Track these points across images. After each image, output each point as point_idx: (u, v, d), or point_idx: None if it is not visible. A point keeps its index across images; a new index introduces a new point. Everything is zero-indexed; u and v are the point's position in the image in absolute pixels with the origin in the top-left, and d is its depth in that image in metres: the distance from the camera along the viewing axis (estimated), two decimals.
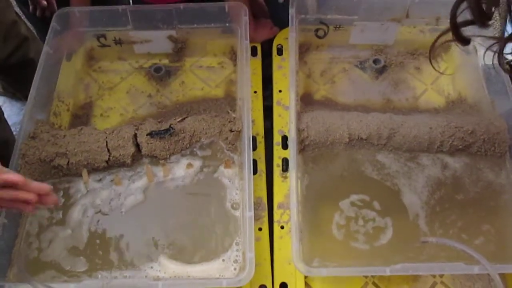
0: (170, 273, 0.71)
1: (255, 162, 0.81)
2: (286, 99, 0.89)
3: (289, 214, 0.76)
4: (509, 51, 0.52)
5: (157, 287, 0.64)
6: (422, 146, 0.81)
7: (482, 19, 0.49)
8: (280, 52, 0.96)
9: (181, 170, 0.80)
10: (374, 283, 0.72)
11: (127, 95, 0.93)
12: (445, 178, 0.79)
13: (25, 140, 0.77)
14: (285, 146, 0.84)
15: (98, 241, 0.74)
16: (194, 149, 0.82)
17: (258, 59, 0.95)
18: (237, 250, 0.72)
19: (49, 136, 0.78)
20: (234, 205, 0.77)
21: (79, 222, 0.75)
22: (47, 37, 0.87)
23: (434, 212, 0.76)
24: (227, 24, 0.91)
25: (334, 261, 0.72)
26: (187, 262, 0.72)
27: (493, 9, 0.48)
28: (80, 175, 0.78)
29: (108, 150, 0.78)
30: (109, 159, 0.78)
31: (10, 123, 1.27)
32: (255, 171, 0.81)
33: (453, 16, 0.52)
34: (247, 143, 0.74)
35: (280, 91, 0.91)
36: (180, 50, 0.96)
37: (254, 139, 0.84)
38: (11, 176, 0.57)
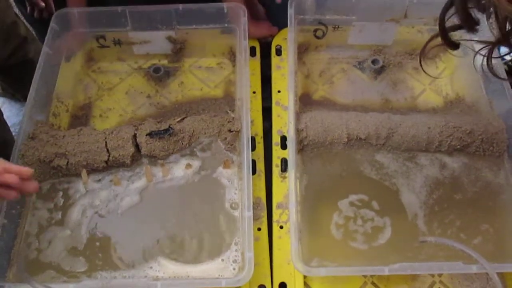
0: (169, 273, 0.71)
1: (254, 162, 0.82)
2: (285, 100, 0.89)
3: (288, 214, 0.76)
4: (497, 55, 0.52)
5: (156, 287, 0.64)
6: (421, 146, 0.81)
7: (469, 24, 0.49)
8: (279, 52, 0.96)
9: (180, 170, 0.80)
10: (373, 283, 0.72)
11: (126, 95, 0.93)
12: (444, 178, 0.80)
13: (25, 140, 0.77)
14: (284, 146, 0.84)
15: (97, 241, 0.74)
16: (193, 150, 0.82)
17: (257, 60, 0.95)
18: (236, 250, 0.73)
19: (48, 137, 0.78)
20: (233, 205, 0.77)
21: (79, 223, 0.75)
22: (46, 38, 0.87)
23: (432, 212, 0.76)
24: (226, 25, 0.92)
25: (333, 261, 0.72)
26: (186, 262, 0.72)
27: (479, 14, 0.49)
28: (80, 176, 0.78)
29: (108, 150, 0.78)
30: (108, 159, 0.78)
31: (9, 123, 1.27)
32: (254, 171, 0.81)
33: (442, 20, 0.52)
34: (246, 143, 0.75)
35: (279, 91, 0.91)
36: (179, 51, 0.96)
37: (253, 139, 0.84)
38: None
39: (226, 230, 0.74)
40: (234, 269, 0.71)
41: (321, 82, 0.94)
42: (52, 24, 0.88)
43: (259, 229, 0.76)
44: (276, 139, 0.85)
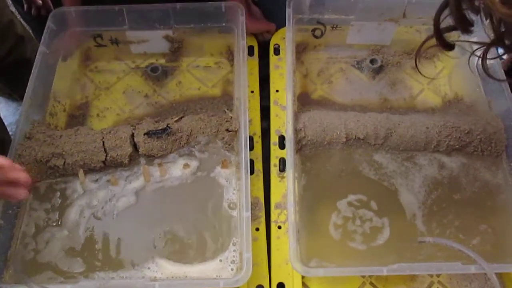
0: (167, 274, 0.71)
1: (252, 162, 0.81)
2: (283, 99, 0.89)
3: (286, 214, 0.76)
4: (494, 55, 0.52)
5: None
6: (419, 146, 0.81)
7: (464, 25, 0.49)
8: (277, 52, 0.96)
9: (178, 170, 0.80)
10: (371, 283, 0.72)
11: (123, 95, 0.92)
12: (442, 178, 0.80)
13: (21, 140, 0.76)
14: (282, 146, 0.84)
15: (95, 242, 0.73)
16: (191, 149, 0.81)
17: (255, 59, 0.95)
18: (234, 251, 0.72)
19: (45, 137, 0.77)
20: (231, 205, 0.77)
21: (76, 223, 0.75)
22: (43, 37, 0.86)
23: (431, 212, 0.76)
24: (224, 24, 0.91)
25: (331, 261, 0.72)
26: (184, 262, 0.72)
27: (474, 15, 0.49)
28: (77, 176, 0.78)
29: (105, 150, 0.77)
30: (106, 159, 0.78)
31: (6, 123, 1.26)
32: (252, 171, 0.81)
33: (436, 22, 0.52)
34: (244, 143, 0.74)
35: (277, 91, 0.90)
36: (176, 50, 0.96)
37: (251, 139, 0.84)
38: None
39: (224, 230, 0.74)
40: (232, 269, 0.71)
41: (320, 82, 0.94)
42: (49, 23, 0.88)
43: (257, 229, 0.76)
44: (274, 138, 0.85)
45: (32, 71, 0.82)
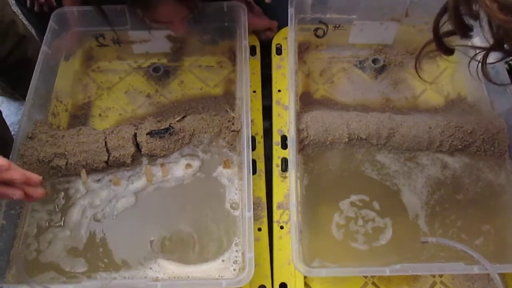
0: (169, 274, 0.71)
1: (254, 162, 0.81)
2: (285, 99, 0.89)
3: (289, 214, 0.76)
4: (493, 61, 0.51)
5: None
6: (422, 145, 0.81)
7: (463, 30, 0.49)
8: (279, 51, 0.96)
9: (180, 170, 0.80)
10: (373, 283, 0.72)
11: (125, 95, 0.92)
12: (445, 178, 0.79)
13: (24, 140, 0.76)
14: (284, 146, 0.84)
15: (97, 242, 0.73)
16: (193, 149, 0.81)
17: (257, 59, 0.95)
18: (236, 251, 0.72)
19: (47, 137, 0.77)
20: (233, 205, 0.76)
21: (78, 223, 0.75)
22: (45, 37, 0.86)
23: (433, 212, 0.76)
24: (225, 24, 0.91)
25: (333, 261, 0.71)
26: (186, 262, 0.72)
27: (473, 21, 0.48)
28: (79, 176, 0.78)
29: (108, 150, 0.77)
30: (108, 159, 0.78)
31: (8, 123, 1.26)
32: (254, 171, 0.80)
33: (436, 26, 0.52)
34: (246, 143, 0.74)
35: (279, 90, 0.90)
36: (178, 50, 0.95)
37: (253, 139, 0.84)
38: None
39: (226, 231, 0.74)
40: (234, 269, 0.71)
41: (322, 82, 0.94)
42: (51, 23, 0.88)
43: (259, 229, 0.76)
44: (276, 138, 0.85)
45: (34, 71, 0.82)
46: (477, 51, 0.51)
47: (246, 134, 0.75)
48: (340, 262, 0.71)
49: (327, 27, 0.94)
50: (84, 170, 0.78)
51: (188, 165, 0.80)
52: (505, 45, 0.47)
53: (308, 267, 0.66)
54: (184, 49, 0.96)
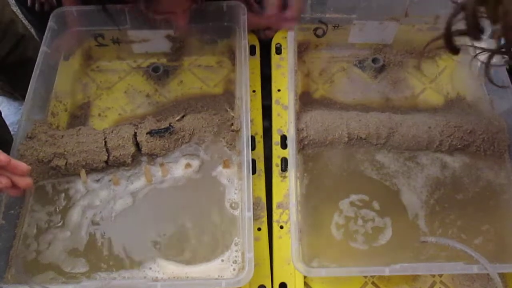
0: (169, 274, 0.71)
1: (254, 162, 0.81)
2: (285, 98, 0.89)
3: (288, 214, 0.76)
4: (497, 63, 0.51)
5: None
6: (421, 145, 0.81)
7: (476, 32, 0.49)
8: (278, 51, 0.96)
9: (180, 170, 0.80)
10: (373, 283, 0.72)
11: (125, 94, 0.92)
12: (445, 177, 0.79)
13: (23, 140, 0.76)
14: (284, 145, 0.84)
15: (96, 242, 0.73)
16: (193, 149, 0.81)
17: (256, 58, 0.95)
18: (236, 251, 0.72)
19: (47, 137, 0.77)
20: (233, 205, 0.76)
21: (78, 223, 0.75)
22: (44, 37, 0.86)
23: (433, 212, 0.76)
24: (225, 23, 0.91)
25: (333, 261, 0.72)
26: (186, 262, 0.72)
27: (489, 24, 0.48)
28: (79, 176, 0.78)
29: (108, 150, 0.77)
30: (108, 158, 0.78)
31: (8, 122, 1.26)
32: (254, 171, 0.80)
33: (448, 25, 0.52)
34: (246, 142, 0.74)
35: (279, 90, 0.90)
36: (178, 49, 0.95)
37: (253, 138, 0.84)
38: None
39: (226, 230, 0.74)
40: (234, 269, 0.71)
41: (321, 81, 0.94)
42: (51, 22, 0.88)
43: (259, 229, 0.76)
44: (276, 138, 0.85)
45: (34, 71, 0.82)
46: (478, 51, 0.51)
47: (245, 134, 0.75)
48: (339, 262, 0.71)
49: (327, 26, 0.94)
50: (83, 170, 0.78)
51: (188, 165, 0.80)
52: None
53: (308, 267, 0.66)
54: (184, 49, 0.96)
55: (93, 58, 0.97)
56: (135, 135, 0.79)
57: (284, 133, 0.85)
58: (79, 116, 0.89)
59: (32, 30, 1.36)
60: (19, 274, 0.69)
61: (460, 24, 0.50)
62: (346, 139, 0.80)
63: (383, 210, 0.76)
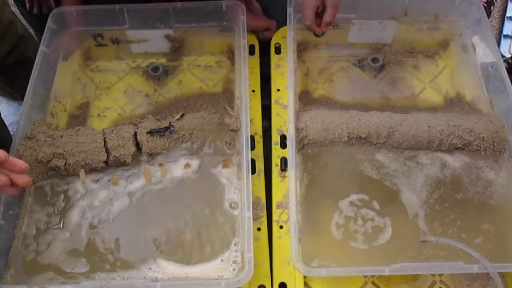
0: (169, 274, 0.70)
1: (253, 162, 0.81)
2: (284, 98, 0.88)
3: (288, 214, 0.76)
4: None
5: None
6: (421, 144, 0.81)
7: None
8: (278, 50, 0.96)
9: (179, 170, 0.80)
10: (373, 283, 0.72)
11: (124, 94, 0.92)
12: (444, 177, 0.79)
13: (22, 140, 0.76)
14: (283, 145, 0.83)
15: (96, 243, 0.73)
16: (192, 149, 0.81)
17: (256, 58, 0.95)
18: (236, 251, 0.72)
19: (46, 137, 0.77)
20: (232, 205, 0.76)
21: (77, 224, 0.75)
22: (43, 37, 0.86)
23: (433, 211, 0.76)
24: (224, 23, 0.91)
25: (333, 261, 0.71)
26: (185, 263, 0.71)
27: (491, 7, 0.48)
28: (78, 176, 0.78)
29: (107, 150, 0.77)
30: (108, 158, 0.77)
31: (7, 122, 1.26)
32: (253, 171, 0.80)
33: None
34: (245, 142, 0.74)
35: (278, 90, 0.90)
36: (177, 49, 0.95)
37: (252, 138, 0.84)
38: None
39: (226, 230, 0.74)
40: (234, 269, 0.71)
41: (321, 81, 0.94)
42: (49, 23, 0.88)
43: (258, 229, 0.76)
44: (275, 138, 0.84)
45: (33, 71, 0.82)
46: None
47: (245, 134, 0.75)
48: (339, 261, 0.71)
49: None
50: (82, 170, 0.77)
51: (187, 165, 0.80)
52: None
53: (308, 267, 0.66)
54: (183, 49, 0.96)
55: (92, 58, 0.96)
56: (135, 134, 0.79)
57: (283, 133, 0.85)
58: (78, 116, 0.89)
59: (31, 31, 1.36)
60: (18, 275, 0.69)
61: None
62: (346, 139, 0.80)
63: (383, 210, 0.76)
